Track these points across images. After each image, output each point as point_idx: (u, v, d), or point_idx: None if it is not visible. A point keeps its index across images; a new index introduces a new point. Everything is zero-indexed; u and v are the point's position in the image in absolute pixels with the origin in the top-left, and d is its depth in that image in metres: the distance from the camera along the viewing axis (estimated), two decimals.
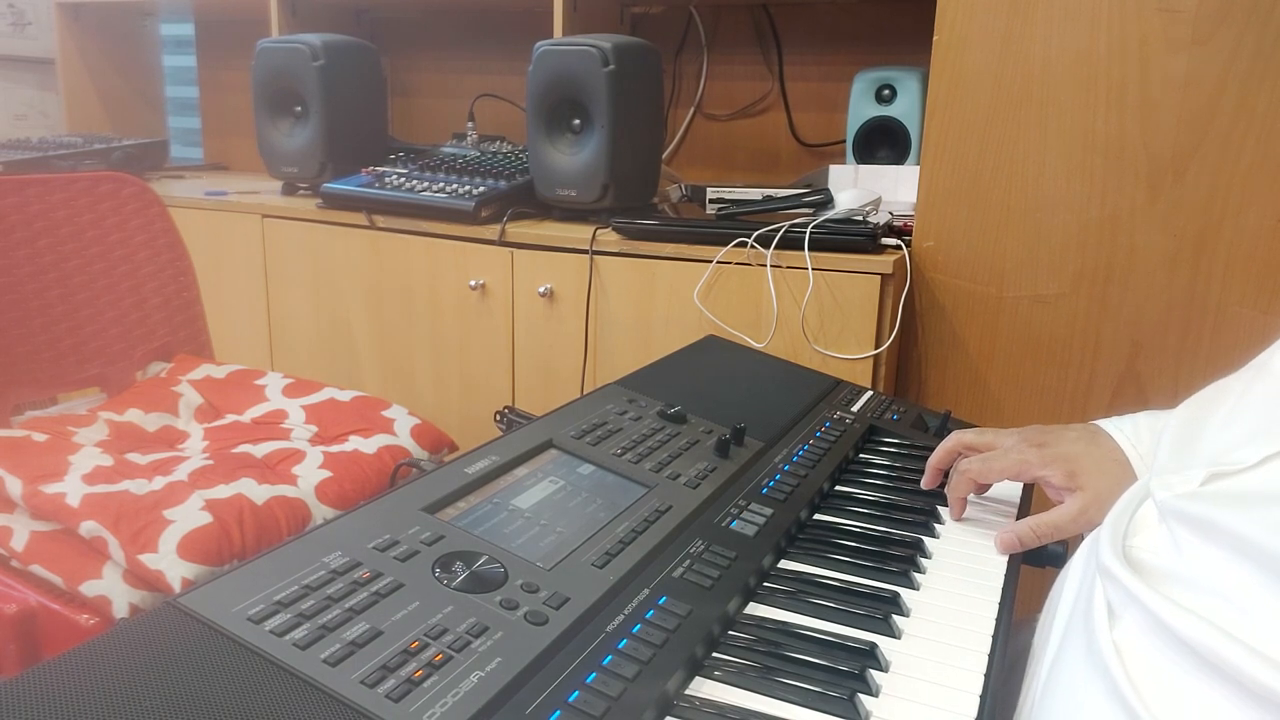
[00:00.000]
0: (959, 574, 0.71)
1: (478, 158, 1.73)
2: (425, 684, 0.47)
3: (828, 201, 1.42)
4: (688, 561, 0.64)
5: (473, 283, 1.53)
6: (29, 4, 2.42)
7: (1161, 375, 1.27)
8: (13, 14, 2.40)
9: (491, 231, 1.50)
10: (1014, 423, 1.13)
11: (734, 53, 1.95)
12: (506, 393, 1.56)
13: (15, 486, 0.99)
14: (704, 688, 0.55)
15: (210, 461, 1.11)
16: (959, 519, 0.81)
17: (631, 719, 0.49)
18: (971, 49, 1.28)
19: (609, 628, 0.55)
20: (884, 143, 1.67)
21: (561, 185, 1.50)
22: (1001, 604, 0.67)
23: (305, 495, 1.07)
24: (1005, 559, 0.74)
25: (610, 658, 0.53)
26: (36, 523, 0.98)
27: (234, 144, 2.55)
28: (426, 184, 1.61)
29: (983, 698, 0.56)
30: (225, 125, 2.59)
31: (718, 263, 1.34)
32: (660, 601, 0.59)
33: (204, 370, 1.40)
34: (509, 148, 1.84)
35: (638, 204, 1.53)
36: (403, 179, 1.64)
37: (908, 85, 1.63)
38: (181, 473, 1.06)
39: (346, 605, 0.52)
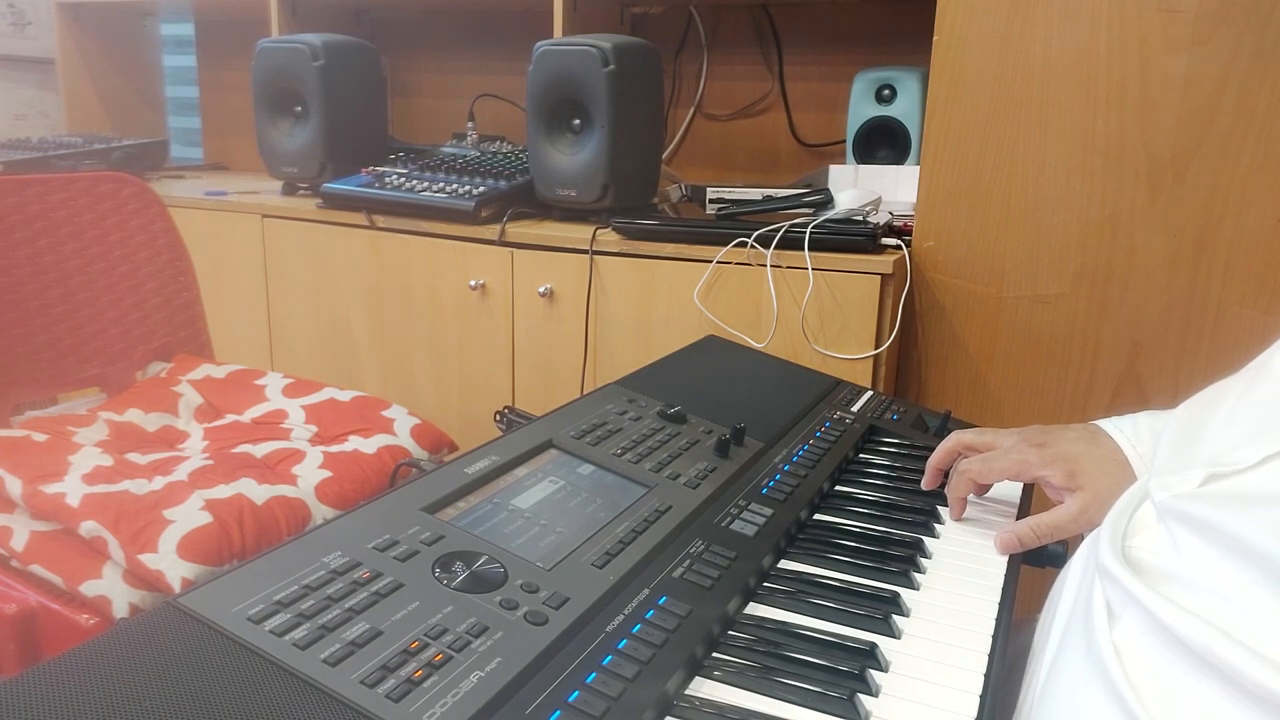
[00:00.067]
0: (959, 574, 0.71)
1: (478, 158, 1.73)
2: (425, 684, 0.47)
3: (828, 201, 1.42)
4: (688, 561, 0.64)
5: (473, 283, 1.53)
6: (29, 4, 2.42)
7: (1161, 375, 1.27)
8: (13, 14, 2.40)
9: (491, 231, 1.50)
10: (1014, 423, 1.13)
11: (734, 53, 1.95)
12: (506, 393, 1.56)
13: (15, 486, 0.99)
14: (704, 688, 0.55)
15: (210, 461, 1.11)
16: (959, 519, 0.81)
17: (631, 719, 0.49)
18: (971, 49, 1.28)
19: (609, 628, 0.55)
20: (884, 143, 1.67)
21: (561, 185, 1.50)
22: (1001, 604, 0.67)
23: (305, 495, 1.07)
24: (1005, 559, 0.74)
25: (610, 658, 0.53)
26: (36, 523, 0.98)
27: (234, 144, 2.55)
28: (426, 184, 1.61)
29: (982, 698, 0.56)
30: (225, 125, 2.59)
31: (718, 263, 1.34)
32: (660, 601, 0.59)
33: (204, 370, 1.40)
34: (509, 148, 1.84)
35: (638, 204, 1.53)
36: (403, 179, 1.64)
37: (908, 85, 1.63)
38: (181, 473, 1.07)
39: (346, 605, 0.52)
